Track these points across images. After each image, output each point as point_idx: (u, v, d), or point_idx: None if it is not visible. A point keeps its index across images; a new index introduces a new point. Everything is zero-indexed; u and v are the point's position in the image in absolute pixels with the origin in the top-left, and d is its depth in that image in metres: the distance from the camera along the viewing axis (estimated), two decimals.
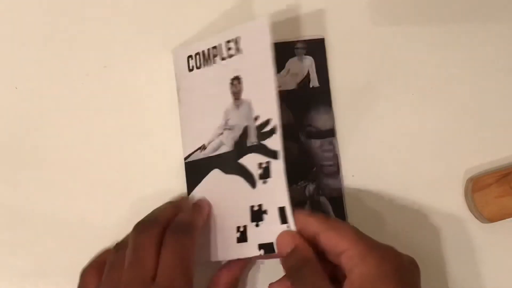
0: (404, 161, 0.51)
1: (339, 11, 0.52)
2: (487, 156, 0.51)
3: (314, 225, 0.43)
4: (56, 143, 0.50)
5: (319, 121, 0.51)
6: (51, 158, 0.50)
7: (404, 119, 0.51)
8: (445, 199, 0.51)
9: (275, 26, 0.50)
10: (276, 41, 0.50)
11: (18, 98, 0.51)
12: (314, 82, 0.52)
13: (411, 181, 0.51)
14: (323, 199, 0.50)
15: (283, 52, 0.51)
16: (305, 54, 0.52)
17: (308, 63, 0.52)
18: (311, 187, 0.51)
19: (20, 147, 0.50)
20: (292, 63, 0.52)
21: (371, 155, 0.51)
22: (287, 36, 0.52)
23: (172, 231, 0.43)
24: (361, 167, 0.51)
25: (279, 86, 0.50)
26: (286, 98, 0.51)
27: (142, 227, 0.43)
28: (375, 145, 0.51)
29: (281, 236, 0.44)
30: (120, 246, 0.44)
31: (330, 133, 0.51)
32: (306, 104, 0.52)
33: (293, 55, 0.52)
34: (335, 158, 0.51)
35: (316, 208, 0.50)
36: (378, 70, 0.52)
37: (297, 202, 0.48)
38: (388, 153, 0.51)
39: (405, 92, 0.52)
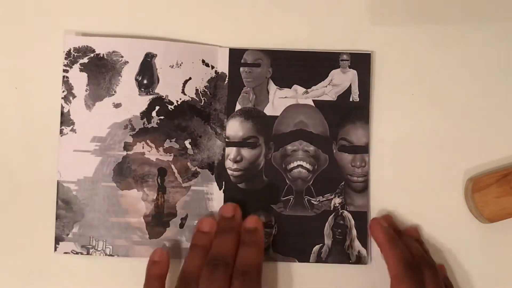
0: (404, 161, 0.52)
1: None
2: (487, 156, 0.51)
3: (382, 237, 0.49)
4: None
5: (354, 135, 0.52)
6: None
7: (404, 119, 0.52)
8: (445, 199, 0.51)
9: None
10: (321, 50, 0.52)
11: None
12: (355, 96, 0.52)
13: (411, 181, 0.51)
14: (346, 214, 0.51)
15: (327, 62, 0.52)
16: (349, 67, 0.52)
17: (351, 76, 0.52)
18: (336, 201, 0.51)
19: None
20: (335, 74, 0.52)
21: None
22: (334, 46, 0.52)
23: (239, 276, 0.46)
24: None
25: (318, 96, 0.52)
26: (322, 108, 0.52)
27: (213, 268, 0.46)
28: (376, 145, 0.52)
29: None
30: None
31: (364, 149, 0.52)
32: (343, 117, 0.52)
33: (337, 66, 0.52)
34: (366, 174, 0.51)
35: (338, 221, 0.51)
36: (378, 70, 0.52)
37: (320, 213, 0.51)
38: (387, 153, 0.52)
39: (405, 92, 0.52)
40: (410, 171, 0.52)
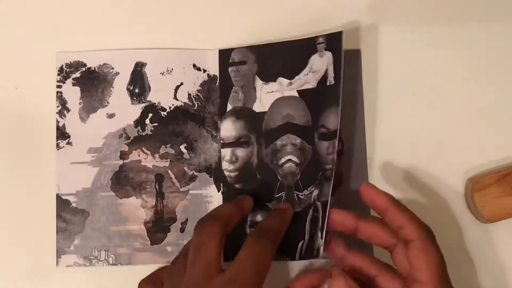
0: (404, 161, 0.51)
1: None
2: (487, 156, 0.51)
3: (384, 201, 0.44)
4: None
5: (330, 121, 0.48)
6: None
7: (404, 119, 0.51)
8: (445, 199, 0.50)
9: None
10: (299, 37, 0.51)
11: None
12: (331, 79, 0.49)
13: (411, 181, 0.51)
14: (318, 204, 0.48)
15: (306, 48, 0.50)
16: (325, 49, 0.49)
17: (327, 59, 0.49)
18: (315, 193, 0.48)
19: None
20: (314, 60, 0.50)
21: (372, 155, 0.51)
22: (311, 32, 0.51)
23: (257, 233, 0.44)
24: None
25: (301, 85, 0.50)
26: (305, 97, 0.50)
27: (201, 226, 0.44)
28: (375, 145, 0.51)
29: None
30: (176, 260, 0.46)
31: (334, 134, 0.47)
32: (322, 103, 0.49)
33: (315, 51, 0.50)
34: (334, 160, 0.47)
35: (314, 214, 0.47)
36: (378, 70, 0.52)
37: (304, 208, 0.48)
38: (387, 153, 0.51)
39: (405, 92, 0.52)
40: (410, 171, 0.51)
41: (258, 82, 0.51)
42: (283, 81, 0.51)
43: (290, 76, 0.51)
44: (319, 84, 0.49)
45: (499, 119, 0.51)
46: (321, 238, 0.46)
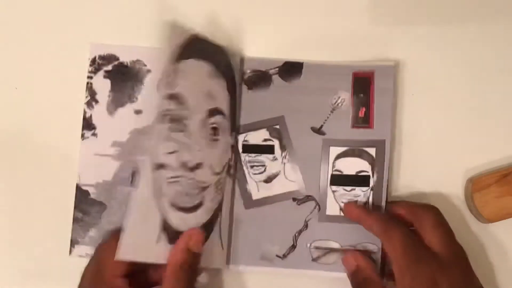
0: (404, 161, 0.51)
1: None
2: (487, 156, 0.51)
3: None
4: None
5: None
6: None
7: (403, 119, 0.52)
8: (445, 199, 0.51)
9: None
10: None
11: None
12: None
13: (411, 181, 0.51)
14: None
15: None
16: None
17: None
18: None
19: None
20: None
21: None
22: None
23: None
24: None
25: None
26: None
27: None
28: None
29: (346, 256, 0.49)
30: None
31: None
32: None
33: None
34: None
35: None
36: None
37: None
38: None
39: (404, 92, 0.52)
40: (410, 171, 0.51)
41: None
42: None
43: None
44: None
45: (499, 119, 0.52)
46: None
